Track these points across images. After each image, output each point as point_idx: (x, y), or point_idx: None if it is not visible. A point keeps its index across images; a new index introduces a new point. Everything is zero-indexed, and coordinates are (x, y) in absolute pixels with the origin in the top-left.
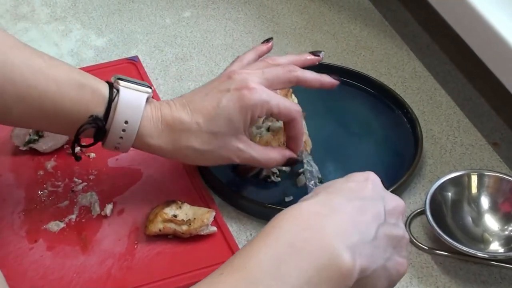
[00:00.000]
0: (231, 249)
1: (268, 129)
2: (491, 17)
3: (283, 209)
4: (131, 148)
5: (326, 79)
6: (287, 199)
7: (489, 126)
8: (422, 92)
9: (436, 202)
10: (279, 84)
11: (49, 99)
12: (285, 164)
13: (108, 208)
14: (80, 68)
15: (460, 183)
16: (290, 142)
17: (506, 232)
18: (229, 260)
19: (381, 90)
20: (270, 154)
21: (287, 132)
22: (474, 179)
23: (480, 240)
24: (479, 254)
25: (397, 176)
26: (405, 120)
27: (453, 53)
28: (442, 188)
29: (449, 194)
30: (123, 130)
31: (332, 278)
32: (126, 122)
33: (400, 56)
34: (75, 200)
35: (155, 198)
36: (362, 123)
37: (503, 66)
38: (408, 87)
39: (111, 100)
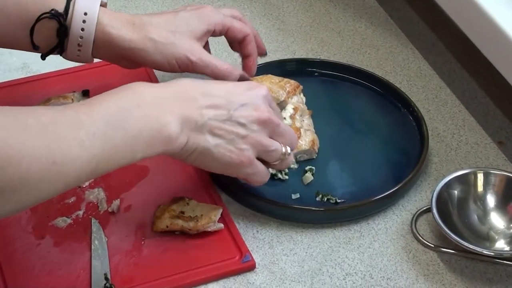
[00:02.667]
0: (238, 245)
1: None
2: (496, 15)
3: (290, 207)
4: None
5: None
6: (293, 196)
7: (494, 125)
8: (428, 90)
9: (442, 200)
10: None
11: None
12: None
13: (115, 204)
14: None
15: (466, 181)
16: (247, 61)
17: None
18: (94, 97)
19: (386, 89)
20: (220, 62)
21: (243, 51)
22: (480, 177)
23: (486, 238)
24: (485, 252)
25: (403, 174)
26: (411, 118)
27: (459, 51)
28: (448, 186)
29: (455, 192)
30: (83, 22)
31: (157, 138)
32: (85, 14)
33: (406, 55)
34: (82, 196)
35: (162, 194)
36: (367, 121)
37: (508, 64)
38: (414, 85)
39: None
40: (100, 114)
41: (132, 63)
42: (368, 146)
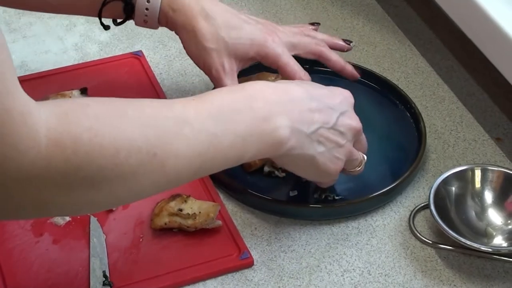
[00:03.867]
0: (236, 242)
1: None
2: (493, 12)
3: (288, 204)
4: None
5: (349, 67)
6: (291, 194)
7: (491, 121)
8: (425, 87)
9: (440, 197)
10: (302, 51)
11: None
12: None
13: None
14: (84, 63)
15: (463, 178)
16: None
17: (510, 227)
18: (206, 93)
19: (384, 86)
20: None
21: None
22: (477, 173)
23: (484, 234)
24: (483, 248)
25: (401, 171)
26: (408, 115)
27: (456, 48)
28: (446, 182)
29: (453, 188)
30: (148, 1)
31: (267, 142)
32: None
33: (403, 52)
34: None
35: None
36: (365, 118)
37: (506, 61)
38: (411, 82)
39: None
40: (209, 111)
41: None
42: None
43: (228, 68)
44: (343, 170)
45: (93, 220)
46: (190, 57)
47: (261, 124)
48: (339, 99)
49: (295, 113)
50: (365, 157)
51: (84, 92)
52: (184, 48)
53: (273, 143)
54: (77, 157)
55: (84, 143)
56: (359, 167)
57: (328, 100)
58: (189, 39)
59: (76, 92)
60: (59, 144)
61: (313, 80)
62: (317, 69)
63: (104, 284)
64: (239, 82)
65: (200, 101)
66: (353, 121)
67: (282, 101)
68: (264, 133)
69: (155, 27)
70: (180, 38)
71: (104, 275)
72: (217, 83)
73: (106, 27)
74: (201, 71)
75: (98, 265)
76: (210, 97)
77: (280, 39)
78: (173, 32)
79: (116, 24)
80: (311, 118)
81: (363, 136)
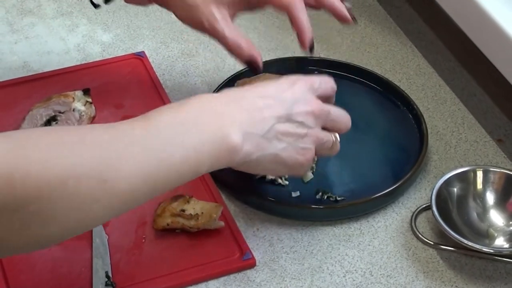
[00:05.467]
0: (238, 243)
1: None
2: (495, 13)
3: (290, 205)
4: None
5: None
6: (294, 194)
7: (493, 123)
8: (427, 88)
9: (442, 198)
10: None
11: None
12: (245, 63)
13: None
14: (86, 64)
15: (465, 179)
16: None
17: (511, 228)
18: (151, 111)
19: (386, 87)
20: (240, 40)
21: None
22: (479, 175)
23: (486, 236)
24: (485, 249)
25: (402, 172)
26: (410, 116)
27: (458, 49)
28: (447, 183)
29: (455, 189)
30: None
31: (220, 152)
32: None
33: (405, 53)
34: None
35: None
36: (367, 119)
37: (507, 62)
38: (413, 83)
39: None
40: (156, 129)
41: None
42: (368, 144)
43: (219, 16)
44: (320, 155)
45: None
46: (185, 23)
47: (211, 135)
48: (293, 89)
49: (244, 116)
50: (337, 136)
51: (87, 93)
52: (177, 17)
53: (227, 152)
54: (26, 192)
55: (32, 176)
56: (332, 148)
57: (278, 93)
58: (176, 4)
59: (79, 93)
60: (7, 181)
61: None
62: (320, 71)
63: (106, 285)
64: (241, 84)
65: (145, 120)
66: (310, 106)
67: (229, 109)
68: (215, 143)
69: (144, 2)
70: (170, 8)
71: (107, 276)
72: (213, 34)
73: (96, 6)
74: (204, 72)
75: (101, 266)
76: (155, 115)
77: None
78: (174, 31)
79: (106, 2)
80: (261, 118)
81: (335, 114)
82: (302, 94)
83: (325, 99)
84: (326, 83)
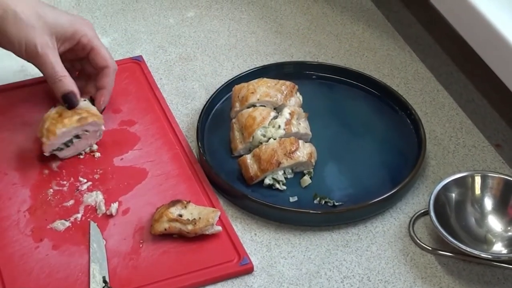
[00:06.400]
0: (236, 248)
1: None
2: (493, 19)
3: (288, 209)
4: (137, 149)
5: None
6: (291, 199)
7: (491, 128)
8: (425, 93)
9: (440, 203)
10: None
11: None
12: (63, 95)
13: (114, 207)
14: None
15: (463, 184)
16: (98, 93)
17: (509, 233)
18: None
19: (384, 91)
20: (66, 73)
21: (98, 82)
22: (477, 180)
23: (484, 241)
24: (483, 255)
25: (400, 177)
26: (408, 121)
27: (456, 54)
28: (445, 189)
29: (453, 195)
30: None
31: None
32: None
33: (403, 57)
34: (80, 199)
35: (161, 197)
36: (365, 124)
37: (505, 67)
38: (411, 88)
39: None
40: None
41: None
42: (366, 149)
43: (52, 45)
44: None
45: (93, 225)
46: (7, 42)
47: None
48: None
49: None
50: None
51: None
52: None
53: None
54: None
55: None
56: None
57: None
58: (8, 17)
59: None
60: None
61: (313, 85)
62: (318, 75)
63: None
64: (238, 88)
65: None
66: None
67: None
68: None
69: None
70: None
71: (104, 281)
72: (40, 60)
73: None
74: (201, 76)
75: (98, 271)
76: None
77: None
78: (172, 35)
79: None
80: None
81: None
82: None
83: None
84: None
